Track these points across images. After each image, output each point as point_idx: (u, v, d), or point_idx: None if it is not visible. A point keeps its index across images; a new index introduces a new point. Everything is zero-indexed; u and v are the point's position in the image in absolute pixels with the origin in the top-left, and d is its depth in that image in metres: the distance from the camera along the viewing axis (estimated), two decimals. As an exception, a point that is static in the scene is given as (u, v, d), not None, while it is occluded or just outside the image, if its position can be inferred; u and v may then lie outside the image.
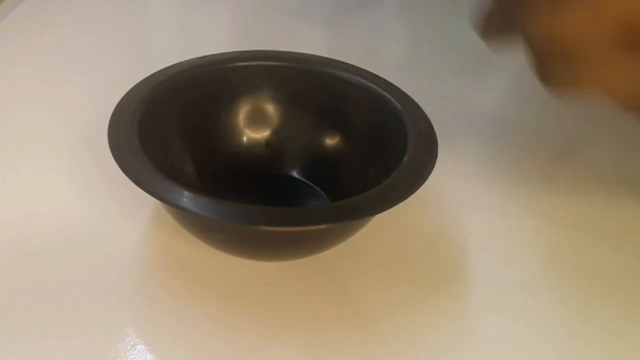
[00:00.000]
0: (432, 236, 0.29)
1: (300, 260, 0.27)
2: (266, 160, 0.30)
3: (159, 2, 0.47)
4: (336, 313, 0.25)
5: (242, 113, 0.30)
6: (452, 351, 0.24)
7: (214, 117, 0.30)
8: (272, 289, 0.26)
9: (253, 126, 0.30)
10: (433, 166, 0.25)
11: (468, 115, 0.37)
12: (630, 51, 0.18)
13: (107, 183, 0.30)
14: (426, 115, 0.27)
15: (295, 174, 0.30)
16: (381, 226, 0.27)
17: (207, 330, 0.24)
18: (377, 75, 0.30)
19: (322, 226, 0.23)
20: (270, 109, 0.31)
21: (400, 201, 0.23)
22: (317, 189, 0.30)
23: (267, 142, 0.31)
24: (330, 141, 0.30)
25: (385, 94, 0.28)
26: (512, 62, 0.41)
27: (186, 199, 0.22)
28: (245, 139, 0.30)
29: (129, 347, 0.23)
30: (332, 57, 0.31)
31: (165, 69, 0.29)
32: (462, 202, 0.31)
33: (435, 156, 0.25)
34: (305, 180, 0.30)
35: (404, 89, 0.29)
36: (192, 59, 0.30)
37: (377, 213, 0.23)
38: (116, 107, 0.26)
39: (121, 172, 0.23)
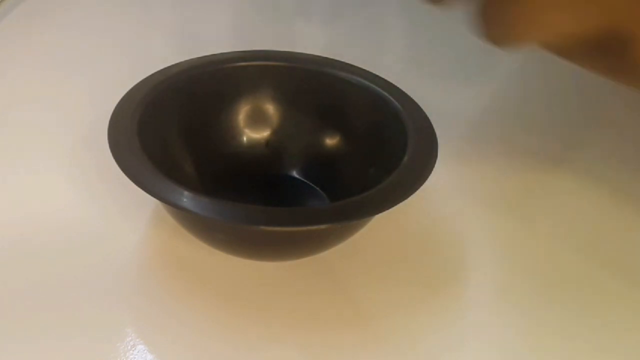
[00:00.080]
0: (432, 236, 0.29)
1: (300, 260, 0.27)
2: (266, 160, 0.30)
3: (159, 2, 0.47)
4: (336, 313, 0.25)
5: (242, 113, 0.30)
6: (452, 351, 0.24)
7: (214, 117, 0.30)
8: (272, 289, 0.26)
9: (253, 126, 0.30)
10: (433, 166, 0.25)
11: (468, 115, 0.37)
12: None
13: (107, 183, 0.30)
14: (426, 115, 0.27)
15: (295, 174, 0.30)
16: (381, 226, 0.27)
17: (207, 330, 0.24)
18: (377, 75, 0.30)
19: (322, 226, 0.23)
20: (270, 109, 0.31)
21: (400, 201, 0.23)
22: (317, 189, 0.30)
23: (267, 142, 0.31)
24: (330, 141, 0.30)
25: (385, 94, 0.28)
26: (513, 62, 0.42)
27: (186, 199, 0.22)
28: (245, 139, 0.30)
29: (129, 347, 0.23)
30: (332, 57, 0.31)
31: (165, 69, 0.29)
32: (462, 202, 0.31)
33: (435, 156, 0.25)
34: (305, 180, 0.30)
35: (404, 89, 0.29)
36: (192, 59, 0.30)
37: (377, 213, 0.23)
38: (116, 107, 0.26)
39: (121, 172, 0.23)
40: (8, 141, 0.32)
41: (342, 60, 0.30)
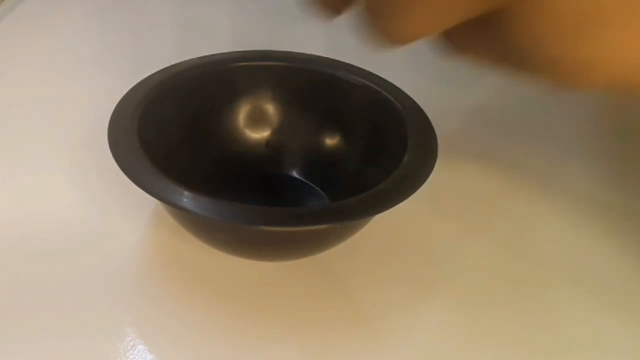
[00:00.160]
0: (433, 236, 0.29)
1: (300, 260, 0.27)
2: (266, 160, 0.30)
3: (159, 2, 0.47)
4: (336, 313, 0.25)
5: (242, 113, 0.30)
6: (452, 351, 0.24)
7: (214, 117, 0.30)
8: (272, 289, 0.26)
9: (253, 126, 0.31)
10: (433, 166, 0.25)
11: (468, 115, 0.37)
12: None
13: (107, 183, 0.30)
14: (426, 115, 0.27)
15: (295, 174, 0.30)
16: (381, 226, 0.27)
17: (207, 330, 0.24)
18: (377, 75, 0.30)
19: (322, 226, 0.22)
20: (270, 109, 0.31)
21: (400, 201, 0.23)
22: (317, 189, 0.30)
23: (267, 142, 0.31)
24: (330, 141, 0.30)
25: (385, 94, 0.28)
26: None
27: (186, 199, 0.22)
28: (245, 139, 0.30)
29: (129, 347, 0.23)
30: (332, 57, 0.31)
31: (165, 69, 0.29)
32: (462, 202, 0.31)
33: (435, 156, 0.25)
34: (305, 180, 0.30)
35: (404, 89, 0.29)
36: (192, 59, 0.30)
37: (377, 213, 0.23)
38: (116, 107, 0.26)
39: (121, 172, 0.23)
40: (8, 141, 0.32)
41: (342, 60, 0.30)
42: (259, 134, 0.31)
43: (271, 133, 0.31)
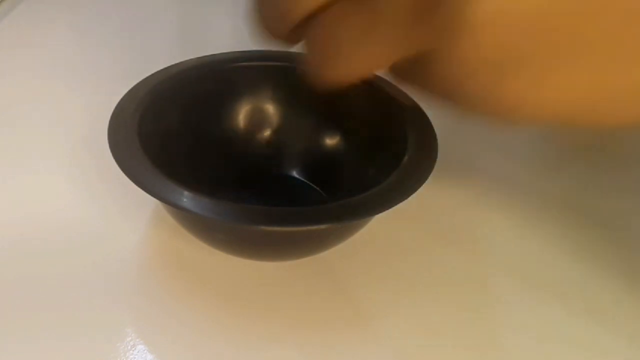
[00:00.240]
0: (432, 236, 0.29)
1: (300, 260, 0.27)
2: (266, 160, 0.30)
3: (159, 2, 0.47)
4: (336, 313, 0.25)
5: (242, 113, 0.30)
6: (452, 351, 0.24)
7: (214, 117, 0.30)
8: (272, 289, 0.26)
9: (253, 126, 0.30)
10: (433, 166, 0.25)
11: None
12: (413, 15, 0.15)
13: (107, 183, 0.30)
14: (426, 115, 0.27)
15: (295, 174, 0.30)
16: (381, 226, 0.27)
17: (207, 330, 0.24)
18: (377, 75, 0.30)
19: (322, 226, 0.22)
20: (270, 108, 0.31)
21: (400, 201, 0.23)
22: (317, 189, 0.30)
23: (267, 142, 0.31)
24: (330, 141, 0.30)
25: (386, 93, 0.28)
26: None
27: (186, 199, 0.22)
28: (245, 139, 0.30)
29: (129, 347, 0.23)
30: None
31: (165, 69, 0.29)
32: (462, 202, 0.31)
33: (435, 156, 0.25)
34: (305, 180, 0.30)
35: (403, 89, 0.29)
36: (192, 59, 0.30)
37: (377, 213, 0.23)
38: (116, 107, 0.26)
39: (121, 172, 0.23)
40: (8, 141, 0.32)
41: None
42: (259, 134, 0.31)
43: (271, 133, 0.31)
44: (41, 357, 0.23)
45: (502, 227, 0.30)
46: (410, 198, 0.23)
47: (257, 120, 0.30)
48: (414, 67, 0.16)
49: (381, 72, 0.19)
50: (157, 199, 0.22)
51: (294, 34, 0.18)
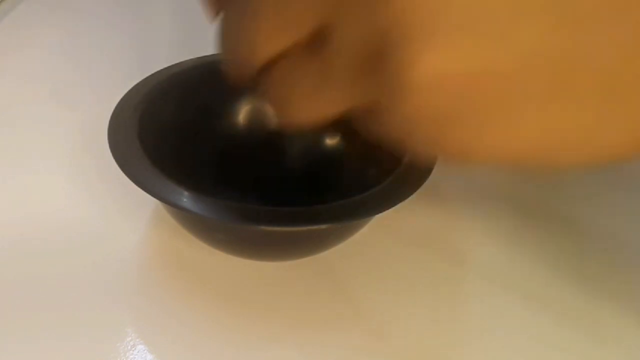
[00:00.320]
0: (432, 236, 0.29)
1: (300, 260, 0.27)
2: (266, 160, 0.30)
3: (159, 2, 0.47)
4: (336, 313, 0.25)
5: (242, 113, 0.30)
6: (452, 351, 0.24)
7: (214, 116, 0.30)
8: (272, 289, 0.26)
9: (253, 126, 0.30)
10: (433, 166, 0.25)
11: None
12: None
13: (107, 183, 0.30)
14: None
15: (295, 173, 0.30)
16: (381, 226, 0.27)
17: (207, 330, 0.24)
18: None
19: (322, 226, 0.23)
20: (270, 108, 0.30)
21: (400, 201, 0.23)
22: (317, 189, 0.29)
23: (267, 142, 0.31)
24: (330, 141, 0.30)
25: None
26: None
27: (186, 199, 0.22)
28: (245, 138, 0.30)
29: (129, 347, 0.23)
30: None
31: (165, 69, 0.29)
32: (462, 202, 0.31)
33: (436, 157, 0.25)
34: (305, 180, 0.30)
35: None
36: (192, 59, 0.30)
37: (377, 213, 0.23)
38: (116, 107, 0.26)
39: (121, 172, 0.23)
40: (8, 141, 0.32)
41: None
42: (259, 134, 0.31)
43: (271, 133, 0.31)
44: (41, 357, 0.23)
45: (499, 227, 0.30)
46: (409, 198, 0.23)
47: (257, 120, 0.30)
48: (370, 114, 0.17)
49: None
50: (157, 199, 0.22)
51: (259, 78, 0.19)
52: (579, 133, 0.16)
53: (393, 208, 0.23)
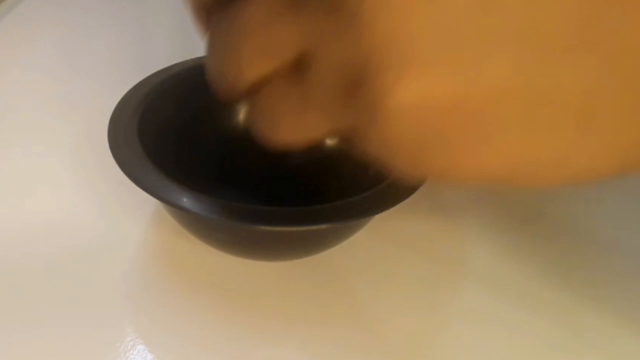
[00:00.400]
0: (433, 236, 0.29)
1: (300, 260, 0.27)
2: (266, 160, 0.30)
3: (160, 2, 0.47)
4: (336, 313, 0.25)
5: (242, 113, 0.30)
6: (453, 351, 0.24)
7: (214, 116, 0.30)
8: (272, 289, 0.26)
9: (253, 126, 0.30)
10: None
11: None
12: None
13: (107, 183, 0.30)
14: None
15: (295, 174, 0.30)
16: (381, 226, 0.27)
17: (207, 330, 0.24)
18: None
19: (322, 226, 0.23)
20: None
21: (400, 201, 0.23)
22: (317, 189, 0.29)
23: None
24: (330, 141, 0.30)
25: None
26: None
27: (186, 199, 0.22)
28: (245, 138, 0.30)
29: (129, 347, 0.23)
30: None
31: (165, 69, 0.29)
32: (462, 201, 0.31)
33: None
34: (305, 181, 0.30)
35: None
36: (192, 59, 0.30)
37: (377, 213, 0.23)
38: (116, 107, 0.26)
39: (121, 172, 0.23)
40: (8, 141, 0.32)
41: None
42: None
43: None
44: (41, 357, 0.23)
45: (499, 227, 0.30)
46: (409, 198, 0.23)
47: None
48: (353, 136, 0.18)
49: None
50: (157, 199, 0.22)
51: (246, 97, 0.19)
52: (555, 156, 0.16)
53: (391, 209, 0.23)
